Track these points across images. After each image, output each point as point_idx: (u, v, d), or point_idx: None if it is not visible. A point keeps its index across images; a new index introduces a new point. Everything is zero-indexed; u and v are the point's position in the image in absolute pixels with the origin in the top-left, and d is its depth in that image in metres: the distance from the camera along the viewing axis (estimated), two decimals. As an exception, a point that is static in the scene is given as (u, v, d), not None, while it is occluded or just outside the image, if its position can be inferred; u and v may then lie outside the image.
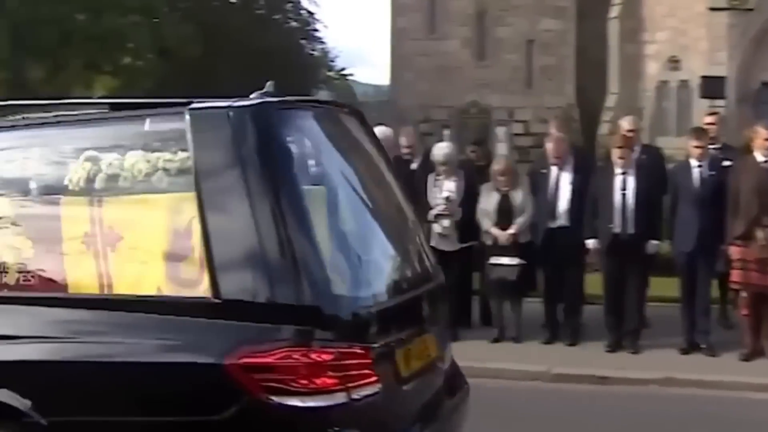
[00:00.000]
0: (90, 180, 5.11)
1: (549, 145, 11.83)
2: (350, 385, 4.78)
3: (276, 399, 4.63)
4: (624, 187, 11.08)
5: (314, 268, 4.81)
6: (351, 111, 6.38)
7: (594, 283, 11.81)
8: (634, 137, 12.03)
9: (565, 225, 11.45)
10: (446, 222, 11.53)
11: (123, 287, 4.97)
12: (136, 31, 32.51)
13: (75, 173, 5.15)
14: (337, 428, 4.79)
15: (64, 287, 5.10)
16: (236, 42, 39.00)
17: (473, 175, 12.08)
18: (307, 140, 5.66)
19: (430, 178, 11.74)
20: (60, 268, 5.12)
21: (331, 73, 57.05)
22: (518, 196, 11.58)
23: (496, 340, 11.74)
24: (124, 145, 5.13)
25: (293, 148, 5.32)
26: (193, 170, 4.90)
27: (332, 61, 56.96)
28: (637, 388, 10.33)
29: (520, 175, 12.17)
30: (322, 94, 59.36)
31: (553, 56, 38.78)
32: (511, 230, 11.43)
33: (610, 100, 35.93)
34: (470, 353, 11.09)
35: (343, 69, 60.97)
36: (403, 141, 12.79)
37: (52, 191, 5.21)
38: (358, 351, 4.85)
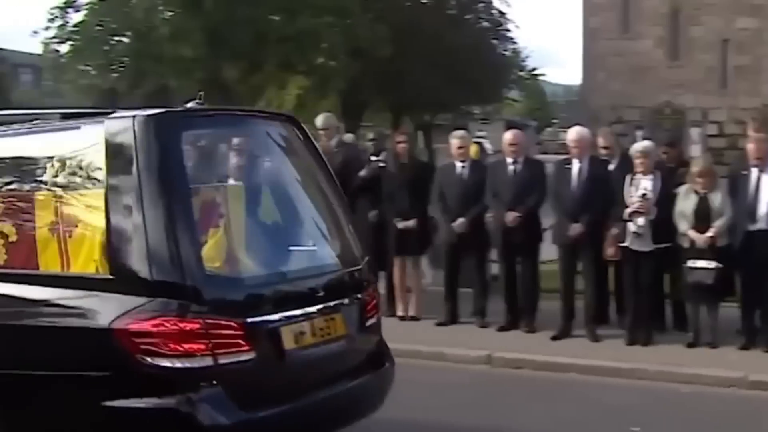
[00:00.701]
0: (48, 177, 6.34)
1: (750, 146, 11.54)
2: (218, 351, 5.78)
3: (150, 359, 5.67)
4: (826, 190, 10.78)
5: (192, 254, 5.88)
6: (286, 119, 7.55)
7: (794, 288, 11.49)
8: (837, 139, 11.66)
9: (765, 228, 11.16)
10: (641, 220, 11.37)
11: (71, 266, 6.13)
12: (329, 31, 32.99)
13: (38, 172, 6.42)
14: (203, 385, 5.78)
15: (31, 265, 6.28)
16: (427, 42, 39.28)
17: (668, 176, 11.90)
18: (221, 144, 7.18)
19: (627, 177, 11.61)
20: (26, 250, 6.29)
21: (522, 73, 57.05)
22: (717, 198, 11.35)
23: (691, 345, 11.54)
24: (67, 149, 6.31)
25: (196, 151, 6.69)
26: (105, 170, 6.03)
27: (523, 61, 57.00)
28: (840, 397, 10.05)
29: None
30: (513, 94, 59.57)
31: (748, 55, 37.81)
32: (710, 233, 11.21)
33: (808, 101, 34.88)
34: (665, 357, 11.01)
35: (534, 69, 61.00)
36: (601, 141, 12.68)
37: (21, 188, 6.49)
38: (229, 323, 5.86)
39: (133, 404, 5.76)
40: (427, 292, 13.26)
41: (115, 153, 6.03)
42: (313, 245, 7.16)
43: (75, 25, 37.11)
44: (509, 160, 12.24)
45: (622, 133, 32.23)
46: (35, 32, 42.62)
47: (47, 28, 37.68)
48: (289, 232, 7.20)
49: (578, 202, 11.77)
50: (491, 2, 46.27)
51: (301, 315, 6.40)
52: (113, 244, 5.90)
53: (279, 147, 7.37)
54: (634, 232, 11.45)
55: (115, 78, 41.07)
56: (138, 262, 5.84)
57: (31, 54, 66.64)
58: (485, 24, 47.02)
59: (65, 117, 6.74)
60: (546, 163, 13.40)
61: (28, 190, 6.43)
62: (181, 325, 5.72)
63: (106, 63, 37.85)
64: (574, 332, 11.91)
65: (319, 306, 6.57)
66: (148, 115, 6.13)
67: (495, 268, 13.04)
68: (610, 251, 11.74)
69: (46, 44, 45.24)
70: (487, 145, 31.94)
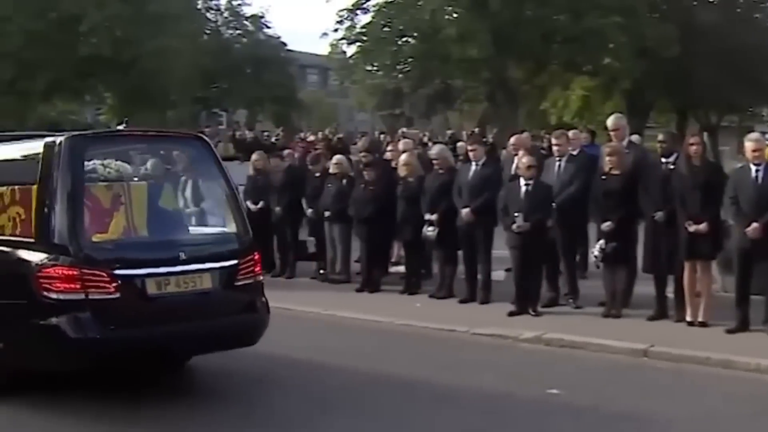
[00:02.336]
0: (15, 173, 9.87)
1: None
2: (89, 290, 8.90)
3: (47, 294, 8.91)
4: None
5: (81, 228, 9.16)
6: (195, 137, 11.32)
7: None
8: None
9: None
10: None
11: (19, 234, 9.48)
12: (616, 31, 32.64)
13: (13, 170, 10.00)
14: (77, 311, 8.88)
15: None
16: (715, 41, 38.30)
17: None
18: (126, 154, 10.36)
19: None
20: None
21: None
22: None
23: None
24: (28, 157, 9.74)
25: (96, 160, 9.86)
26: (39, 171, 9.32)
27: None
28: None
29: None
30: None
31: None
32: None
33: None
34: None
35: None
36: None
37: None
38: (99, 273, 8.95)
39: (38, 321, 8.98)
40: (716, 298, 12.98)
41: (45, 160, 9.34)
42: (198, 225, 10.70)
43: (363, 27, 38.01)
44: (807, 163, 11.85)
45: None
46: (324, 34, 44.03)
47: (336, 30, 38.79)
48: (182, 217, 10.70)
49: None
50: (783, 0, 44.68)
51: (168, 271, 9.40)
52: (37, 220, 9.24)
53: (183, 158, 10.95)
54: None
55: (401, 78, 41.91)
56: (47, 232, 9.14)
57: (317, 55, 68.86)
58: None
59: (38, 137, 10.11)
60: None
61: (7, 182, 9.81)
62: (65, 272, 8.92)
63: (392, 63, 38.59)
64: None
65: (188, 266, 9.51)
66: (67, 137, 9.49)
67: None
68: None
69: (334, 45, 46.62)
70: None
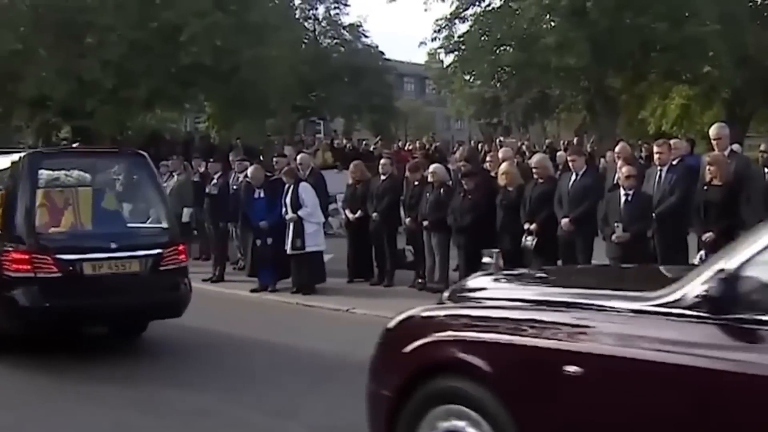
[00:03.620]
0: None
1: None
2: (37, 270, 11.54)
3: (6, 272, 11.60)
4: None
5: (33, 223, 11.84)
6: (134, 153, 14.18)
7: None
8: None
9: None
10: None
11: None
12: (716, 39, 32.18)
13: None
14: (27, 285, 11.52)
15: None
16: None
17: None
18: (73, 167, 12.99)
19: None
20: None
21: None
22: None
23: None
24: (8, 167, 12.33)
25: (50, 171, 12.65)
26: (10, 178, 12.09)
27: None
28: None
29: None
30: None
31: None
32: None
33: None
34: None
35: None
36: None
37: None
38: (45, 257, 11.55)
39: (2, 293, 11.55)
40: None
41: (14, 170, 12.11)
42: (134, 222, 13.31)
43: (461, 36, 37.97)
44: None
45: None
46: (422, 43, 44.03)
47: (434, 39, 38.80)
48: (121, 215, 13.34)
49: None
50: None
51: (101, 257, 11.87)
52: (4, 216, 11.90)
53: (122, 170, 13.93)
54: None
55: (499, 87, 41.81)
56: (11, 226, 11.84)
57: (415, 64, 69.03)
58: None
59: (14, 151, 13.12)
60: None
61: None
62: (20, 256, 11.55)
63: (490, 72, 38.48)
64: None
65: (119, 253, 12.00)
66: (27, 153, 12.68)
67: None
68: None
69: (431, 55, 46.64)
70: None
